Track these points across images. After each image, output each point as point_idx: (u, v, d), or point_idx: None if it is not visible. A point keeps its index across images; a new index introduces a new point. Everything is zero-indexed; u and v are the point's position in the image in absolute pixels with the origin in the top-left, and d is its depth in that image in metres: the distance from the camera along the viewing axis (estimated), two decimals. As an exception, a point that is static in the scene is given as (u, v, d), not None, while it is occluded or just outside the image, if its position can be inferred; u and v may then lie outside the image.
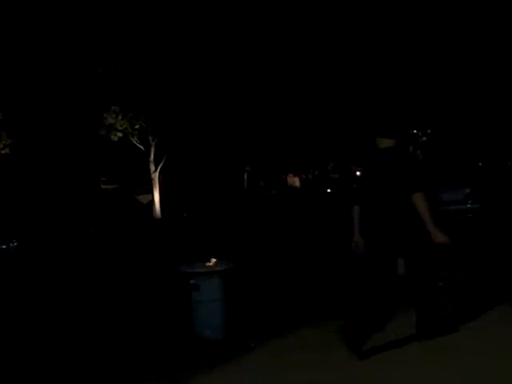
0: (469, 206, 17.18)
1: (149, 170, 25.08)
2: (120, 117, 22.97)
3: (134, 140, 24.18)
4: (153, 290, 9.42)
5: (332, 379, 5.27)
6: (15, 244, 14.44)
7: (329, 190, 35.52)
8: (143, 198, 27.56)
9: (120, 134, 23.41)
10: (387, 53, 31.82)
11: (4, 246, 14.30)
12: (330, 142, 37.01)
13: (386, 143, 5.85)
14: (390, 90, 33.59)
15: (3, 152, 20.76)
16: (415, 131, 40.17)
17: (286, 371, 5.57)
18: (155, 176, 25.09)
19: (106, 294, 9.78)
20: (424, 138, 40.42)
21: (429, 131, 39.46)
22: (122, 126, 23.20)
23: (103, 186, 31.44)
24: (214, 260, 6.83)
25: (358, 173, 48.37)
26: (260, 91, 27.46)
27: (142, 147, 24.62)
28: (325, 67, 30.46)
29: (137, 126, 23.63)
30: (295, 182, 41.03)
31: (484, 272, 9.08)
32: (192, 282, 6.72)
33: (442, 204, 17.17)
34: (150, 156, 24.83)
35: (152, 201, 25.27)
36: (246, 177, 34.75)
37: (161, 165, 25.07)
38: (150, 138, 24.39)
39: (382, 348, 5.79)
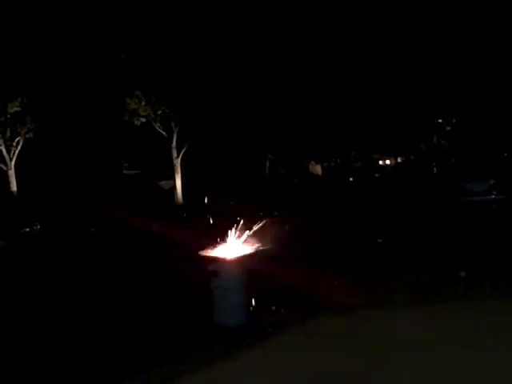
0: (493, 196, 16.91)
1: (171, 156, 25.11)
2: (143, 102, 23.00)
3: (157, 126, 24.21)
4: (173, 275, 9.44)
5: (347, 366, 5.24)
6: (38, 227, 14.60)
7: (351, 179, 35.26)
8: (165, 184, 27.64)
9: (143, 120, 23.45)
10: (411, 41, 31.42)
11: (27, 229, 14.46)
12: (353, 131, 36.74)
13: None
14: (413, 79, 33.20)
15: (27, 136, 20.91)
16: (440, 120, 39.72)
17: (300, 359, 5.55)
18: (177, 162, 25.13)
19: (124, 279, 9.82)
20: (448, 128, 39.94)
21: (454, 121, 38.97)
22: (144, 111, 23.24)
23: (125, 172, 31.58)
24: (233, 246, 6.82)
25: (380, 162, 48.00)
26: (283, 80, 27.29)
27: (164, 133, 24.65)
28: (348, 57, 30.18)
29: (159, 112, 23.64)
30: (317, 169, 40.85)
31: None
32: (211, 268, 6.71)
33: (465, 194, 16.96)
34: (172, 142, 24.85)
35: (174, 187, 25.32)
36: (267, 164, 34.64)
37: (183, 151, 25.08)
38: (173, 125, 24.39)
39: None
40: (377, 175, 37.88)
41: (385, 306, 7.02)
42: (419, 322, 6.29)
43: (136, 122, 23.44)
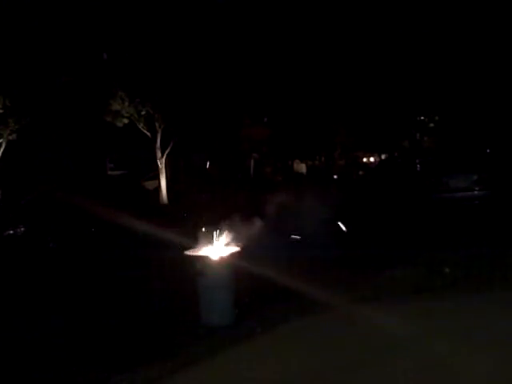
0: (476, 192, 17.08)
1: (155, 156, 25.06)
2: (126, 103, 22.92)
3: (141, 126, 24.13)
4: (160, 275, 9.43)
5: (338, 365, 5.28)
6: (22, 229, 14.54)
7: (335, 177, 35.44)
8: (150, 185, 27.56)
9: (126, 121, 23.37)
10: (395, 39, 31.59)
11: (11, 231, 14.40)
12: (337, 129, 36.90)
13: None
14: (396, 76, 33.38)
15: (10, 138, 20.76)
16: (422, 118, 39.98)
17: (287, 357, 5.59)
18: (161, 162, 25.08)
19: (112, 280, 9.80)
20: (431, 125, 40.21)
21: (436, 118, 39.24)
22: (128, 112, 23.15)
23: (111, 173, 31.45)
24: (220, 245, 6.84)
25: (364, 159, 48.18)
26: (267, 80, 27.36)
27: (148, 134, 24.58)
28: (335, 55, 30.29)
29: (143, 113, 23.58)
30: (301, 168, 40.97)
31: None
32: (198, 267, 6.73)
33: (448, 190, 17.11)
34: (156, 142, 24.79)
35: (158, 187, 25.27)
36: (252, 163, 34.68)
37: (167, 151, 25.03)
38: (157, 125, 24.34)
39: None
40: (361, 173, 38.06)
41: (372, 302, 7.08)
42: (407, 317, 6.35)
43: (119, 124, 23.36)
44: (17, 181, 22.40)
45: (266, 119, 29.66)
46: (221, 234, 6.98)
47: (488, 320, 6.05)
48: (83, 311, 7.82)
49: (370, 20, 30.35)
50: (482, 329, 5.79)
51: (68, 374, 5.63)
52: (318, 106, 32.49)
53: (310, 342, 5.98)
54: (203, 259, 6.78)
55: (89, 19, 22.25)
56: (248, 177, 32.86)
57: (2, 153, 20.94)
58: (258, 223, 7.38)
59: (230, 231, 6.98)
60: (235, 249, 6.91)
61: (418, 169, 24.53)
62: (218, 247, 6.91)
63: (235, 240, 6.97)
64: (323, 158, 42.16)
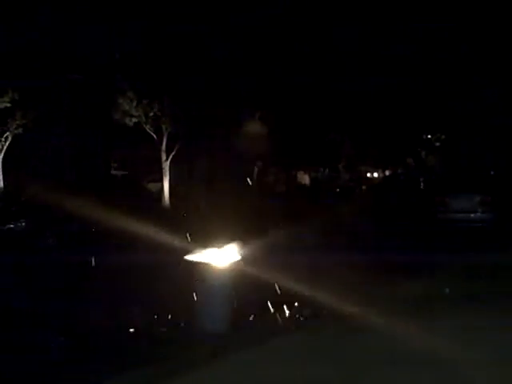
0: (479, 214, 17.02)
1: (160, 158, 25.07)
2: (135, 103, 22.99)
3: (147, 128, 24.16)
4: (159, 279, 9.36)
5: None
6: (23, 224, 14.54)
7: (338, 190, 35.41)
8: (153, 187, 27.58)
9: (135, 120, 23.46)
10: (405, 55, 31.63)
11: (12, 226, 14.39)
12: (343, 141, 36.87)
13: None
14: (404, 93, 33.41)
15: (16, 132, 20.81)
16: (429, 136, 39.98)
17: (285, 367, 5.56)
18: (166, 165, 25.10)
19: (111, 282, 9.72)
20: (437, 144, 40.20)
21: (443, 137, 39.23)
22: (136, 111, 23.25)
23: (113, 172, 31.43)
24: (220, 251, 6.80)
25: (368, 174, 48.16)
26: (276, 87, 27.37)
27: (154, 136, 24.61)
28: (345, 66, 30.30)
29: (151, 114, 23.65)
30: (305, 179, 40.91)
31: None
32: (197, 273, 6.69)
33: (451, 211, 17.05)
34: (161, 145, 24.81)
35: (161, 190, 25.28)
36: (255, 171, 34.59)
37: (172, 154, 25.04)
38: (163, 127, 24.38)
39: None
40: (364, 187, 38.04)
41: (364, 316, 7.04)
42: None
43: (128, 122, 23.43)
44: (20, 175, 22.38)
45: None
46: (223, 241, 6.94)
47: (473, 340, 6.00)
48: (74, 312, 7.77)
49: (381, 34, 30.35)
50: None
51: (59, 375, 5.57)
52: (324, 117, 32.47)
53: (300, 356, 5.93)
54: (203, 265, 6.73)
55: (102, 18, 22.33)
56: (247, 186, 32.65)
57: (8, 147, 20.98)
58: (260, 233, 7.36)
59: (232, 239, 6.95)
60: (237, 257, 6.87)
61: (422, 187, 24.46)
62: (220, 254, 6.87)
63: (237, 249, 6.93)
64: (327, 170, 42.05)
